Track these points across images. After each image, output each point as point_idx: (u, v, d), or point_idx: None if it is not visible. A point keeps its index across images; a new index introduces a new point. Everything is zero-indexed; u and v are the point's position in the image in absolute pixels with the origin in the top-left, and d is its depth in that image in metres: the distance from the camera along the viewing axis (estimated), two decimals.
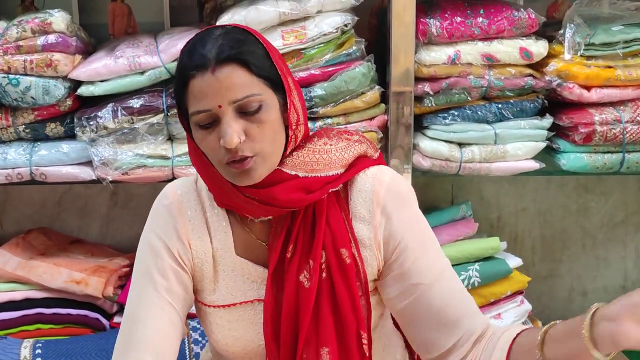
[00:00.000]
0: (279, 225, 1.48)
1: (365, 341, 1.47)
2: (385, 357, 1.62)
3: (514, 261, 2.54)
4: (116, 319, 2.49)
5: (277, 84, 1.40)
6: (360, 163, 1.51)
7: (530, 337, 1.33)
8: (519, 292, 2.56)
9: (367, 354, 1.47)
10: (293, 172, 1.43)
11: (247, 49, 1.36)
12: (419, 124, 2.35)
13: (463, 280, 2.33)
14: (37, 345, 2.29)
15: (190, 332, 2.30)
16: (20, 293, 2.48)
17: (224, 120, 1.34)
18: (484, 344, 1.42)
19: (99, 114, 2.23)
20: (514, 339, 1.37)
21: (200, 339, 2.31)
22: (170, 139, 2.31)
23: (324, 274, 1.46)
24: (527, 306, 2.56)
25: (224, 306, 1.52)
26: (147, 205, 2.75)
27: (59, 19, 2.22)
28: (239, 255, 1.51)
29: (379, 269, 1.50)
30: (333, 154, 1.47)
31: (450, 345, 1.45)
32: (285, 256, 1.47)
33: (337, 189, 1.48)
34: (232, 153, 1.35)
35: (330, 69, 2.22)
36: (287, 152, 1.44)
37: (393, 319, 1.63)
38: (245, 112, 1.36)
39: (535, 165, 2.36)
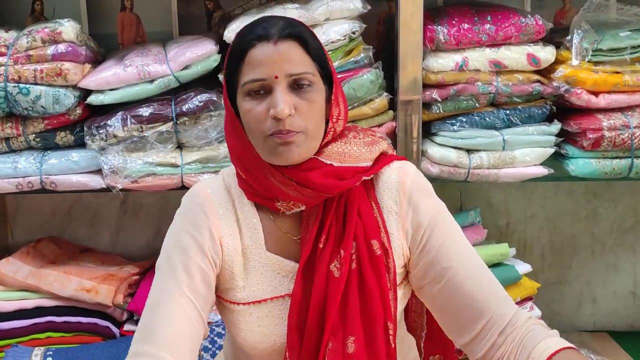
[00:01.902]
0: (311, 217, 1.50)
1: (391, 332, 1.48)
2: (401, 353, 1.63)
3: (523, 267, 2.52)
4: (126, 327, 2.48)
5: (326, 74, 1.46)
6: (384, 158, 1.55)
7: None
8: (529, 298, 2.53)
9: (393, 345, 1.49)
10: (328, 162, 1.47)
11: (307, 31, 1.44)
12: (427, 131, 2.34)
13: None
14: (47, 353, 2.28)
15: None
16: (31, 301, 2.47)
17: (277, 90, 1.39)
18: (517, 341, 1.43)
19: (109, 122, 2.23)
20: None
21: (210, 346, 2.31)
22: (180, 147, 2.31)
23: (353, 264, 1.48)
24: (537, 312, 2.52)
25: (254, 302, 1.52)
26: (156, 213, 2.80)
27: (68, 28, 2.22)
28: (269, 251, 1.53)
29: (405, 260, 1.52)
30: (362, 147, 1.51)
31: (479, 328, 1.46)
32: (317, 247, 1.49)
33: (368, 178, 1.51)
34: (279, 125, 1.39)
35: (338, 76, 2.21)
36: (323, 143, 1.47)
37: (407, 322, 1.66)
38: (298, 87, 1.41)
39: (543, 171, 2.35)
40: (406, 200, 1.52)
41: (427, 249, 1.51)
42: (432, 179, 2.31)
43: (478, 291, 1.47)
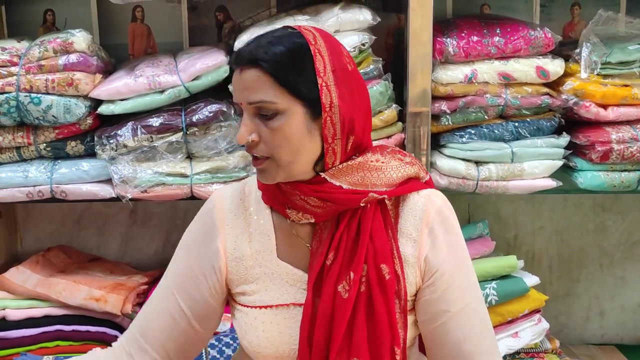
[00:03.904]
0: (324, 231, 1.50)
1: (398, 357, 1.49)
2: None
3: (531, 280, 2.52)
4: None
5: (305, 96, 1.42)
6: (413, 184, 1.53)
7: None
8: (537, 311, 2.54)
9: None
10: (337, 183, 1.46)
11: (279, 58, 1.40)
12: (436, 143, 2.34)
13: None
14: None
15: (209, 349, 2.29)
16: (39, 310, 2.47)
17: (243, 117, 1.43)
18: None
19: (119, 132, 2.24)
20: None
21: (218, 356, 2.30)
22: (189, 157, 2.32)
23: (362, 287, 1.48)
24: (545, 325, 2.54)
25: (260, 307, 1.54)
26: (166, 223, 2.80)
27: (80, 38, 2.24)
28: (280, 258, 1.54)
29: (417, 288, 1.51)
30: (383, 173, 1.49)
31: None
32: (325, 263, 1.49)
33: (380, 197, 1.49)
34: (247, 149, 1.44)
35: None
36: (332, 164, 1.46)
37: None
38: (261, 115, 1.42)
39: (552, 183, 2.35)
40: (427, 230, 1.51)
41: (434, 288, 1.51)
42: (441, 191, 2.32)
43: (467, 343, 1.48)
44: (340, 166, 1.46)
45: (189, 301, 1.56)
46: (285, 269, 1.53)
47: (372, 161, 1.49)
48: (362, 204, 1.47)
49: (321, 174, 1.46)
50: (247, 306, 1.54)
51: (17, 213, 2.82)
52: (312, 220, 1.50)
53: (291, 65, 1.41)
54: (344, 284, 1.47)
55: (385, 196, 1.49)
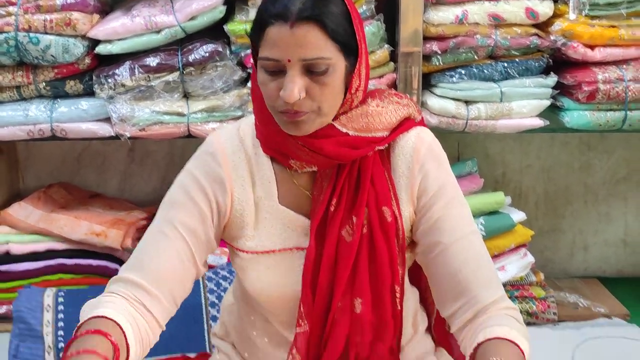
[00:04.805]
0: (325, 179, 1.53)
1: (398, 295, 1.53)
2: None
3: (518, 215, 2.59)
4: None
5: (349, 49, 1.43)
6: (404, 124, 1.55)
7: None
8: (523, 246, 2.62)
9: (399, 307, 1.53)
10: (344, 130, 1.47)
11: (329, 10, 1.39)
12: (427, 82, 2.39)
13: None
14: (59, 294, 2.34)
15: (207, 282, 2.36)
16: (42, 244, 2.55)
17: (289, 74, 1.37)
18: (478, 326, 1.46)
19: (117, 71, 2.29)
20: (477, 346, 1.41)
21: (215, 288, 2.37)
22: (186, 96, 2.37)
23: (364, 230, 1.51)
24: (530, 259, 2.62)
25: (263, 252, 1.55)
26: (163, 161, 2.86)
27: None
28: (281, 203, 1.55)
29: (411, 223, 1.55)
30: (383, 117, 1.51)
31: (457, 307, 1.49)
32: (329, 209, 1.51)
33: (382, 148, 1.52)
34: (289, 106, 1.39)
35: None
36: (341, 111, 1.48)
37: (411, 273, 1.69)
38: (311, 71, 1.39)
39: (539, 122, 2.41)
40: (418, 166, 1.53)
41: (426, 218, 1.53)
42: (431, 129, 2.37)
43: (463, 272, 1.48)
44: (348, 114, 1.48)
45: (197, 243, 1.54)
46: (287, 214, 1.55)
47: (373, 107, 1.52)
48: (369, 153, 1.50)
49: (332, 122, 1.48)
50: (249, 252, 1.56)
51: (18, 151, 2.87)
52: (315, 169, 1.52)
53: (338, 15, 1.41)
54: (347, 229, 1.50)
55: (387, 145, 1.52)
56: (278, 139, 1.48)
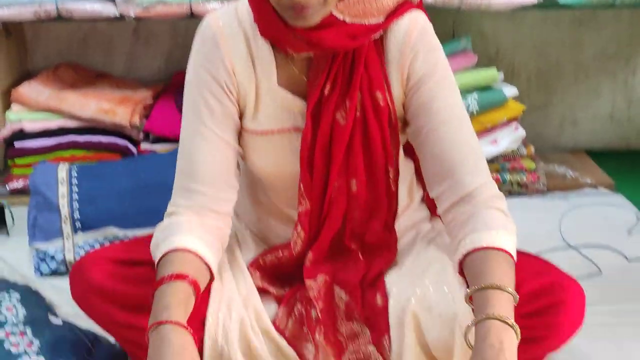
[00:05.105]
0: (321, 63, 1.52)
1: (392, 175, 1.56)
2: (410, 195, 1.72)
3: (510, 90, 2.63)
4: (143, 146, 2.65)
5: None
6: (401, 8, 1.53)
7: (477, 269, 1.39)
8: (514, 119, 2.67)
9: (393, 188, 1.57)
10: (341, 17, 1.46)
11: None
12: None
13: None
14: (72, 168, 2.38)
15: None
16: (54, 122, 2.60)
17: None
18: (463, 218, 1.48)
19: None
20: (465, 256, 1.42)
21: None
22: None
23: (358, 113, 1.52)
24: (522, 132, 2.67)
25: (262, 132, 1.57)
26: (167, 41, 2.91)
27: None
28: (280, 85, 1.55)
29: (402, 103, 1.56)
30: (380, 1, 1.49)
31: (442, 189, 1.52)
32: (323, 93, 1.52)
33: (377, 37, 1.52)
34: (296, 2, 1.37)
35: None
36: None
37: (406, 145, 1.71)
38: None
39: (532, 0, 2.44)
40: (409, 47, 1.52)
41: (416, 98, 1.53)
42: (427, 7, 2.37)
43: (449, 155, 1.51)
44: (345, 1, 1.46)
45: (228, 132, 1.56)
46: (285, 96, 1.55)
47: None
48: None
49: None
50: (250, 131, 1.59)
51: (26, 33, 2.87)
52: (311, 55, 1.52)
53: None
54: (341, 112, 1.52)
55: (381, 31, 1.51)
56: (275, 28, 1.48)
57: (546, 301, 1.45)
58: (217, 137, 1.53)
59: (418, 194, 1.73)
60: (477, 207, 1.47)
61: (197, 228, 1.49)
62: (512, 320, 1.30)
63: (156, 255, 1.47)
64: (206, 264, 1.48)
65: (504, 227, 1.45)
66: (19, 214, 2.46)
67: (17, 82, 2.72)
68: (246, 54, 1.54)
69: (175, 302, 1.37)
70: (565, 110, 3.14)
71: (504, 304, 1.33)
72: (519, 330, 1.31)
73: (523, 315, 1.39)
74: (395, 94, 1.53)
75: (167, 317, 1.34)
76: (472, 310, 1.37)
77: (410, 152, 1.67)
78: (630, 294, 2.09)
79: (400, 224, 1.65)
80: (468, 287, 1.41)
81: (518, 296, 1.35)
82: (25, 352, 1.71)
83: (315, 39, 1.45)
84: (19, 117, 2.62)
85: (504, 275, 1.38)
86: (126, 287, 1.52)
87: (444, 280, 1.52)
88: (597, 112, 3.15)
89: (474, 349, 1.30)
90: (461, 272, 1.46)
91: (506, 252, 1.42)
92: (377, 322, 1.57)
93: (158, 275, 1.43)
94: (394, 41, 1.52)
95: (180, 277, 1.40)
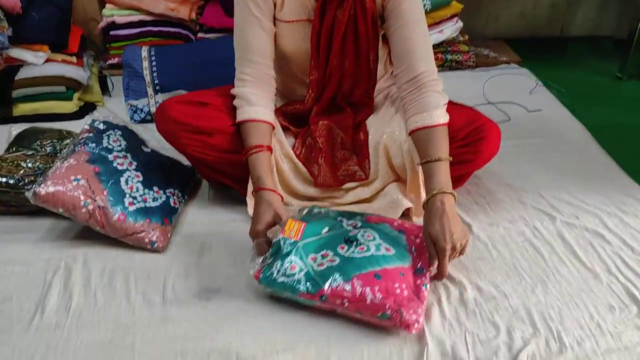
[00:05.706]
0: None
1: (372, 57, 1.79)
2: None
3: None
4: (199, 35, 3.04)
5: None
6: None
7: (423, 143, 1.58)
8: (455, 15, 3.12)
9: (372, 67, 1.80)
10: None
11: None
12: None
13: None
14: (151, 49, 2.74)
15: None
16: (136, 17, 3.03)
17: None
18: (413, 97, 1.64)
19: None
20: (414, 131, 1.61)
21: None
22: None
23: (351, 12, 1.72)
24: (460, 25, 3.13)
25: (286, 21, 1.77)
26: None
27: None
28: None
29: (382, 7, 1.75)
30: None
31: (400, 70, 1.69)
32: None
33: None
34: None
35: None
36: None
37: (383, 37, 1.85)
38: None
39: None
40: None
41: (389, 4, 1.71)
42: None
43: (409, 44, 1.68)
44: None
45: (268, 19, 1.74)
46: None
47: None
48: None
49: None
50: (280, 20, 1.76)
51: None
52: None
53: None
54: (340, 10, 1.71)
55: None
56: None
57: (475, 136, 1.71)
58: (262, 23, 1.73)
59: (390, 68, 1.96)
60: (421, 90, 1.66)
61: (262, 99, 1.73)
62: (450, 189, 1.52)
63: (238, 114, 1.72)
64: (271, 124, 1.73)
65: (440, 106, 1.64)
66: (116, 81, 2.86)
67: None
68: None
69: (264, 173, 1.63)
70: (490, 9, 3.61)
71: (444, 171, 1.54)
72: (455, 194, 1.53)
73: (460, 146, 1.67)
74: None
75: (262, 185, 1.60)
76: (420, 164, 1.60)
77: (386, 41, 1.86)
78: (528, 133, 2.42)
79: (377, 87, 1.91)
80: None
81: (451, 158, 1.57)
82: (127, 169, 1.88)
83: None
84: (112, 13, 3.02)
85: (442, 145, 1.59)
86: (192, 119, 1.76)
87: (404, 125, 1.73)
88: (512, 11, 3.64)
89: (426, 209, 1.51)
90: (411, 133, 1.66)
91: (441, 125, 1.62)
92: (361, 150, 1.82)
93: (245, 141, 1.68)
94: None
95: (261, 148, 1.66)
